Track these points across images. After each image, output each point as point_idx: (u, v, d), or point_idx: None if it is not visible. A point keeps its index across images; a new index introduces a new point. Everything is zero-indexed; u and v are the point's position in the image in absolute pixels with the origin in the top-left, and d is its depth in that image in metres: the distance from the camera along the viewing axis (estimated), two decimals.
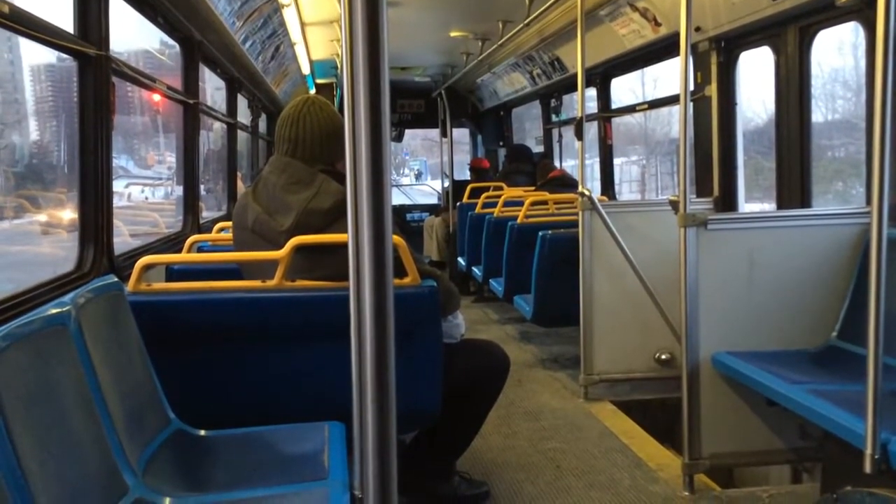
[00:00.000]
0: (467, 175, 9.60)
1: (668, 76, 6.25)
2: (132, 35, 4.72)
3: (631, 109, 6.78)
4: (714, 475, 3.46)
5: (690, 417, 3.09)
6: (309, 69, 8.61)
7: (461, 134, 11.87)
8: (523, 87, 8.40)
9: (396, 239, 2.44)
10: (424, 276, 2.59)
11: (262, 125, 8.47)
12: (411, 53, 8.32)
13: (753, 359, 2.96)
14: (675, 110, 3.31)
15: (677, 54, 2.99)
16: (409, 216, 10.99)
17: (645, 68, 6.38)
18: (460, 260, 7.29)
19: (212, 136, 7.38)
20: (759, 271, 3.11)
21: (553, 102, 8.09)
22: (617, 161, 7.65)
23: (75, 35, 2.88)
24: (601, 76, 6.38)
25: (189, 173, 4.84)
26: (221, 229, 3.66)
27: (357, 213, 0.93)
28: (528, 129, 10.68)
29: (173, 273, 3.14)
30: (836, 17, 3.60)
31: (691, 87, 3.62)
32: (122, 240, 4.23)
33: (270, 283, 2.51)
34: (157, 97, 4.67)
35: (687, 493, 3.10)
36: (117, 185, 4.18)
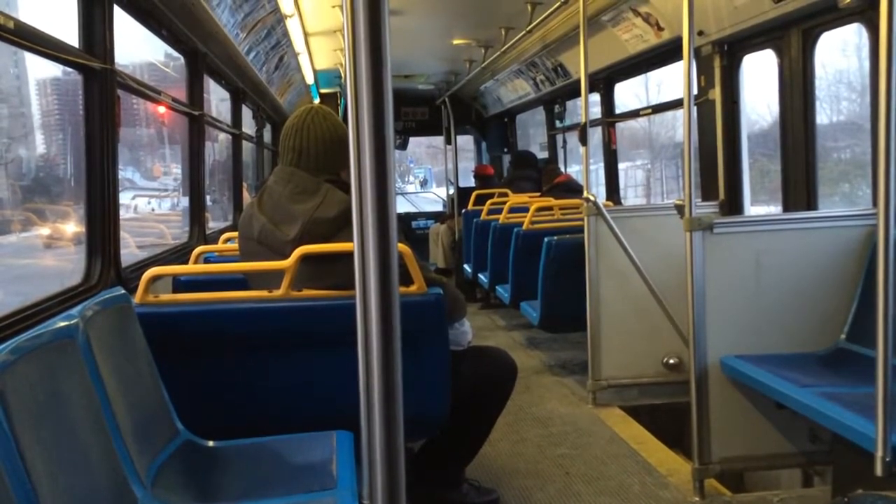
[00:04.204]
0: (472, 182, 9.60)
1: (672, 80, 6.24)
2: (137, 48, 4.74)
3: (635, 114, 6.78)
4: (724, 480, 3.44)
5: (699, 422, 3.08)
6: (313, 79, 8.65)
7: (465, 141, 11.88)
8: (527, 94, 8.41)
9: (402, 247, 2.45)
10: (430, 284, 2.59)
11: (267, 135, 8.50)
12: (414, 61, 8.34)
13: (762, 362, 2.94)
14: (680, 114, 3.31)
15: (680, 58, 2.99)
16: (414, 224, 11.01)
17: (648, 73, 6.38)
18: (466, 267, 7.29)
19: (217, 146, 7.41)
20: (767, 274, 3.10)
21: (557, 108, 8.10)
22: (622, 166, 7.66)
23: (80, 49, 2.90)
24: (604, 81, 6.38)
25: (195, 184, 4.86)
26: (227, 240, 3.67)
27: (362, 222, 0.93)
28: (533, 135, 10.70)
29: (180, 284, 3.15)
30: (839, 18, 3.60)
31: (695, 91, 3.62)
32: (129, 251, 4.25)
33: (277, 292, 2.51)
34: (162, 109, 4.69)
35: (697, 499, 3.09)
36: (124, 197, 4.20)
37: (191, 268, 3.17)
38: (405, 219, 10.97)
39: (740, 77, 4.43)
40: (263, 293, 2.55)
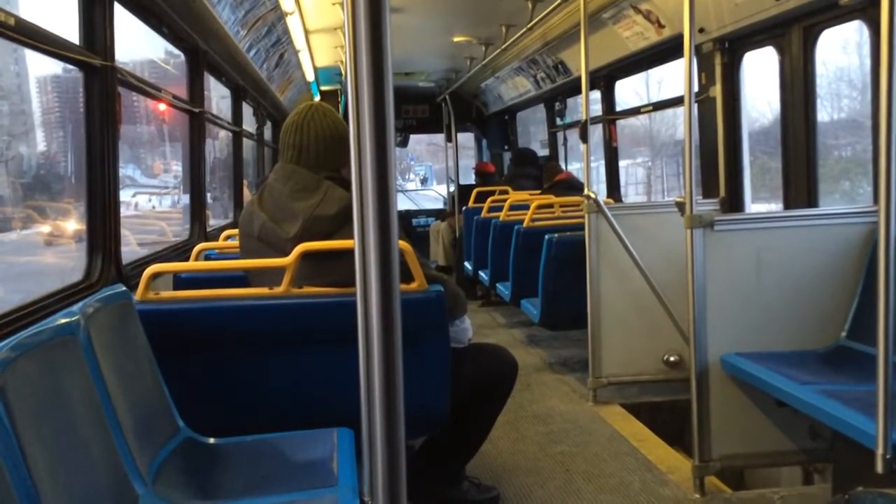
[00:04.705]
0: (473, 179, 9.60)
1: (673, 78, 6.24)
2: (137, 45, 4.74)
3: (635, 111, 6.78)
4: (725, 477, 3.44)
5: (700, 419, 3.08)
6: (313, 76, 8.65)
7: (466, 138, 11.87)
8: (527, 91, 8.40)
9: (403, 244, 2.45)
10: (431, 281, 2.59)
11: (268, 132, 8.50)
12: (415, 59, 8.34)
13: (762, 359, 2.94)
14: (680, 112, 3.31)
15: (681, 56, 2.99)
16: (415, 221, 11.01)
17: (649, 70, 6.37)
18: (467, 264, 7.29)
19: (217, 144, 7.41)
20: (767, 272, 3.10)
21: (557, 105, 8.09)
22: (622, 163, 7.65)
23: (81, 46, 2.90)
24: (605, 79, 6.38)
25: (195, 182, 4.86)
26: (228, 237, 3.67)
27: (363, 219, 0.93)
28: (533, 133, 10.69)
29: (181, 281, 3.15)
30: (840, 16, 3.59)
31: (696, 89, 3.61)
32: (130, 249, 4.25)
33: (277, 290, 2.51)
34: (162, 106, 4.69)
35: (697, 496, 3.09)
36: (124, 195, 4.20)
37: (191, 265, 3.17)
38: (406, 216, 10.97)
39: (741, 74, 4.43)
40: (264, 290, 2.55)
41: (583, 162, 4.30)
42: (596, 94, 6.59)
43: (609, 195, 6.73)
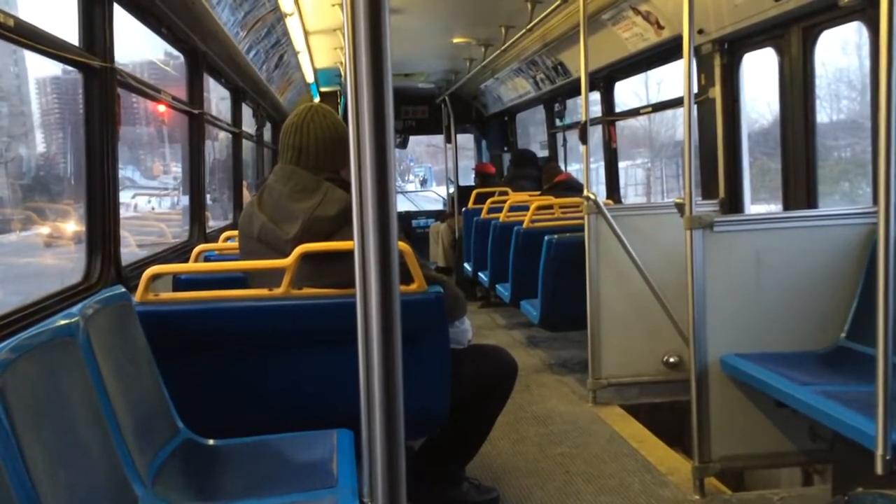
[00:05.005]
0: (472, 181, 9.60)
1: (672, 79, 6.24)
2: (137, 46, 4.74)
3: (635, 113, 6.78)
4: (724, 478, 3.44)
5: (699, 420, 3.08)
6: (313, 77, 8.65)
7: (466, 139, 11.87)
8: (527, 92, 8.41)
9: (402, 245, 2.45)
10: (431, 282, 2.59)
11: (267, 134, 8.50)
12: (414, 60, 8.34)
13: (762, 360, 2.94)
14: (680, 113, 3.31)
15: (680, 57, 2.99)
16: (414, 222, 11.01)
17: (648, 71, 6.37)
18: (466, 265, 7.29)
19: (217, 145, 7.41)
20: (767, 272, 3.10)
21: (557, 107, 8.10)
22: (622, 164, 7.65)
23: (80, 47, 2.90)
24: (605, 80, 6.38)
25: (195, 183, 4.86)
26: (228, 238, 3.67)
27: (363, 220, 0.93)
28: (533, 134, 10.69)
29: (180, 283, 3.15)
30: (840, 17, 3.60)
31: (695, 90, 3.61)
32: (130, 250, 4.25)
33: (277, 291, 2.51)
34: (162, 108, 4.69)
35: (697, 497, 3.09)
36: (124, 196, 4.20)
37: (191, 266, 3.17)
38: (405, 217, 10.96)
39: (740, 75, 4.43)
40: (264, 291, 2.55)
41: (582, 163, 4.30)
42: (595, 96, 6.59)
43: (608, 196, 6.73)
